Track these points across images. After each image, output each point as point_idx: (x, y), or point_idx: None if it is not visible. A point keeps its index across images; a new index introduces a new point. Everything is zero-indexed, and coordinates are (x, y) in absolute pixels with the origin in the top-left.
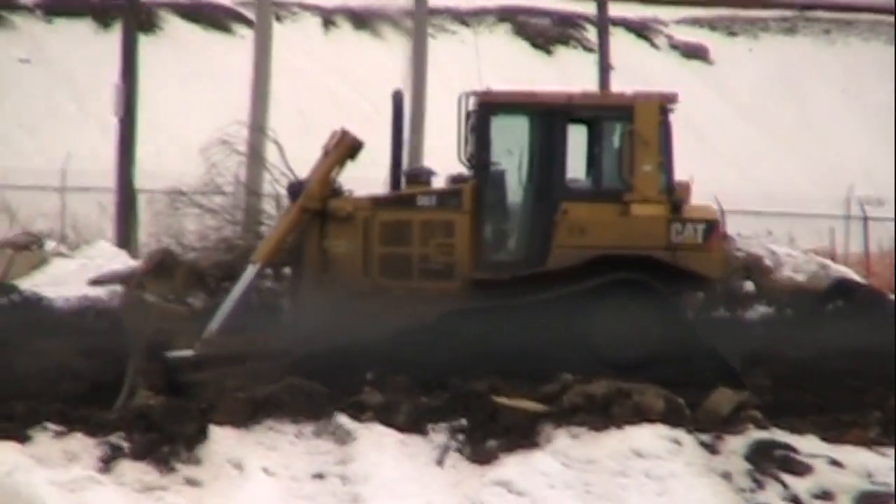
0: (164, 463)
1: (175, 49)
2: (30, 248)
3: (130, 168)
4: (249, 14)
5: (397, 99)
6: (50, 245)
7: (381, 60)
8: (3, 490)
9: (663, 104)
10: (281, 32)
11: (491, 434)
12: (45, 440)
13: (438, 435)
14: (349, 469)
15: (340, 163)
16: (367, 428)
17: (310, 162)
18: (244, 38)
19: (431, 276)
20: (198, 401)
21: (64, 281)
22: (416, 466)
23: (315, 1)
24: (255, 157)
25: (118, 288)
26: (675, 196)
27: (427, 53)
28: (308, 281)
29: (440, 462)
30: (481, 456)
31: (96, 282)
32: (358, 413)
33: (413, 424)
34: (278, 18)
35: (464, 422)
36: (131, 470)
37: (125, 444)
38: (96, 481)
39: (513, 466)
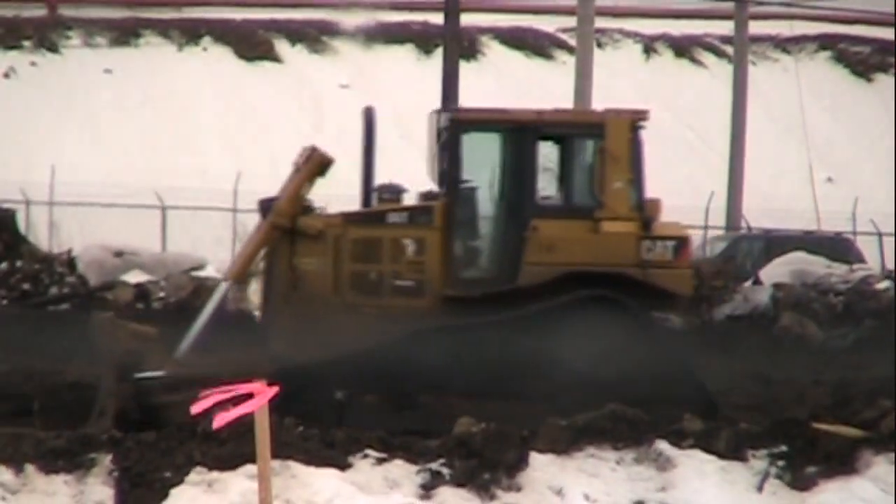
0: (484, 490)
1: (496, 75)
2: None
3: None
4: (571, 41)
5: (368, 115)
6: None
7: (703, 88)
8: None
9: (634, 121)
10: (602, 59)
11: (811, 460)
12: (365, 467)
13: (759, 461)
14: (670, 496)
15: (310, 180)
16: (687, 455)
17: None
18: (565, 63)
19: (402, 293)
20: (518, 428)
21: None
22: (736, 493)
23: (637, 28)
24: None
25: None
26: (645, 213)
27: (748, 81)
28: (278, 299)
29: (760, 489)
30: (801, 482)
31: None
32: (678, 440)
33: (733, 451)
34: (599, 45)
35: (784, 448)
36: (452, 497)
37: (446, 471)
38: None
39: (833, 493)
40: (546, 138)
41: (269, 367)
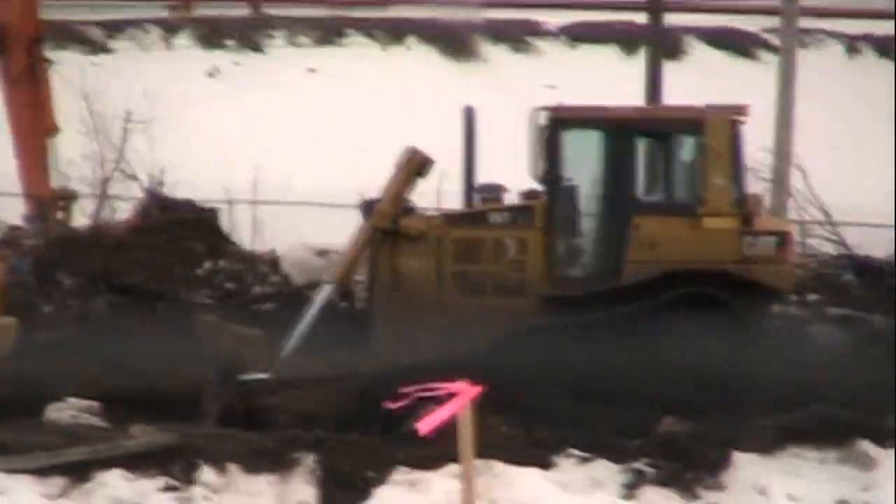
0: (687, 489)
1: (700, 75)
2: None
3: None
4: (775, 40)
5: (469, 114)
6: None
7: None
8: None
9: (734, 117)
10: (805, 58)
11: None
12: (569, 466)
13: None
14: (873, 495)
15: (411, 181)
16: (890, 454)
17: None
18: (768, 64)
19: (504, 293)
20: (721, 428)
21: None
22: None
23: (841, 28)
24: (780, 184)
25: None
26: (746, 209)
27: None
28: (381, 300)
29: None
30: None
31: None
32: (882, 439)
33: None
34: (803, 45)
35: None
36: (655, 496)
37: (649, 471)
38: None
39: None
40: (647, 135)
41: (374, 368)
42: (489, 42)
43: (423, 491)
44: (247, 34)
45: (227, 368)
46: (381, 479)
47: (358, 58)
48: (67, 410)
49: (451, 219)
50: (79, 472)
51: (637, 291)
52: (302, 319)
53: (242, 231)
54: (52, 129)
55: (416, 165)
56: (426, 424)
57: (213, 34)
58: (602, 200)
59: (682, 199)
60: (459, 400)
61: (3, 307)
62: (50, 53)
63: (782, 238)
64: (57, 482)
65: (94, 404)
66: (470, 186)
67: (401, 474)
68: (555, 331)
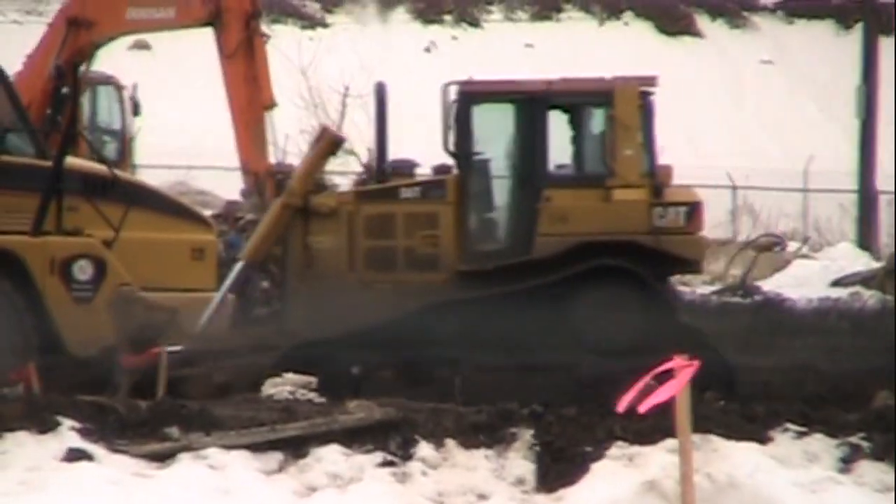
0: None
1: None
2: (771, 250)
3: (871, 170)
4: None
5: (380, 89)
6: (792, 246)
7: None
8: (744, 490)
9: (643, 88)
10: None
11: None
12: (785, 441)
13: None
14: None
15: (323, 159)
16: None
17: None
18: None
19: (417, 268)
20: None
21: (806, 282)
22: None
23: None
24: None
25: (859, 289)
26: (657, 180)
27: None
28: (293, 277)
29: None
30: None
31: (838, 283)
32: None
33: None
34: None
35: None
36: (871, 470)
37: (866, 445)
38: (836, 482)
39: None
40: (556, 107)
41: (284, 342)
42: (706, 17)
43: (641, 465)
44: (464, 9)
45: (140, 340)
46: (597, 454)
47: (575, 33)
48: (285, 386)
49: (361, 195)
50: (295, 448)
51: (548, 264)
52: (216, 294)
53: None
54: (270, 104)
55: (327, 144)
56: (647, 403)
57: (430, 9)
58: (513, 174)
59: (592, 171)
60: (679, 378)
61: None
62: (267, 28)
63: (692, 209)
64: (274, 457)
65: (312, 379)
66: (382, 162)
67: (618, 449)
68: (467, 305)
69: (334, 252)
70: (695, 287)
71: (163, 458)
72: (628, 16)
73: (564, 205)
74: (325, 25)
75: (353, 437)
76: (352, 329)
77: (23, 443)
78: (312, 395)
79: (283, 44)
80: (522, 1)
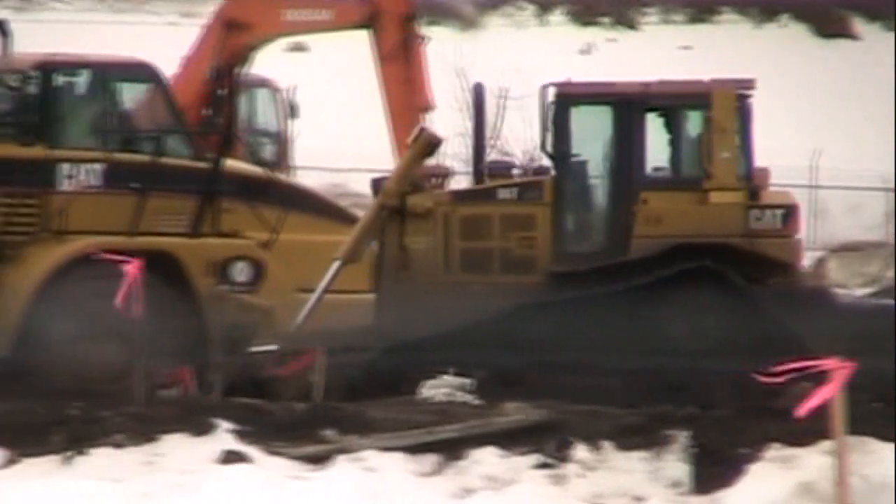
0: None
1: None
2: None
3: None
4: None
5: (478, 91)
6: None
7: None
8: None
9: (740, 90)
10: None
11: None
12: None
13: None
14: None
15: (419, 160)
16: None
17: None
18: None
19: (512, 269)
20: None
21: None
22: None
23: None
24: None
25: None
26: (753, 183)
27: None
28: (388, 278)
29: None
30: None
31: None
32: None
33: None
34: None
35: None
36: None
37: None
38: None
39: None
40: (653, 110)
41: (377, 343)
42: (864, 19)
43: (796, 467)
44: (621, 11)
45: (234, 339)
46: (753, 456)
47: (731, 35)
48: (442, 388)
49: (458, 196)
50: (451, 450)
51: (643, 266)
52: (312, 295)
53: None
54: (426, 107)
55: (423, 144)
56: (804, 407)
57: (586, 11)
58: (610, 176)
59: (688, 173)
60: (835, 380)
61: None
62: (423, 30)
63: (789, 211)
64: (430, 460)
65: (468, 381)
66: (479, 164)
67: (773, 451)
68: (562, 306)
69: (429, 253)
70: (851, 289)
71: (318, 460)
72: (785, 18)
73: (660, 207)
74: (482, 27)
75: (510, 440)
76: (444, 331)
77: (178, 445)
78: (469, 397)
79: (439, 46)
80: (679, 3)
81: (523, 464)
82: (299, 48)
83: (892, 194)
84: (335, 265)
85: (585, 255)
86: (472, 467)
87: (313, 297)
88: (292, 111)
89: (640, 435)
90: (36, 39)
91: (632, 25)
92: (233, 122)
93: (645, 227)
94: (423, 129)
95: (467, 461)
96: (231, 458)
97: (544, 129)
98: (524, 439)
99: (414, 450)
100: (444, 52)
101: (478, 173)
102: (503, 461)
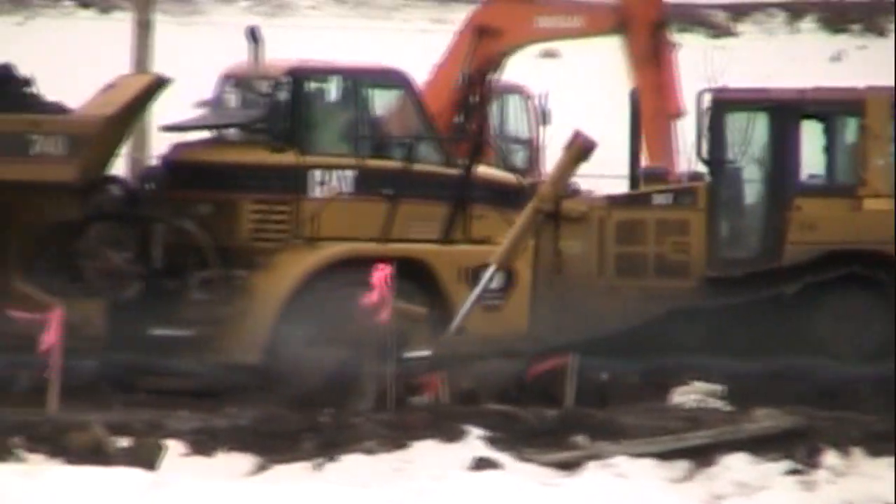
0: None
1: None
2: None
3: None
4: None
5: (634, 97)
6: None
7: None
8: None
9: None
10: None
11: None
12: None
13: None
14: None
15: (574, 164)
16: None
17: None
18: None
19: (666, 274)
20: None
21: None
22: None
23: None
24: None
25: None
26: None
27: None
28: (543, 282)
29: None
30: None
31: None
32: None
33: None
34: None
35: None
36: None
37: None
38: None
39: None
40: (808, 116)
41: (531, 348)
42: None
43: None
44: (872, 18)
45: (389, 345)
46: None
47: None
48: (692, 394)
49: (614, 200)
50: (703, 456)
51: (798, 272)
52: (468, 299)
53: None
54: (677, 113)
55: (578, 149)
56: None
57: (838, 18)
58: (764, 182)
59: (843, 180)
60: None
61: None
62: (674, 36)
63: None
64: (681, 466)
65: (719, 388)
66: (635, 169)
67: None
68: (717, 311)
69: (584, 257)
70: None
71: (569, 466)
72: None
73: (814, 213)
74: (732, 34)
75: (761, 446)
76: (599, 334)
77: (428, 451)
78: (719, 404)
79: (690, 53)
80: None
81: (774, 470)
82: (551, 55)
83: None
84: (490, 270)
85: (740, 260)
86: (723, 473)
87: (468, 302)
88: (544, 118)
89: (889, 441)
90: (288, 46)
91: (881, 32)
92: (484, 128)
93: (799, 233)
94: (578, 134)
95: (718, 467)
96: (482, 464)
97: (700, 135)
98: (775, 446)
99: (665, 456)
100: (695, 59)
101: (634, 179)
102: (754, 467)
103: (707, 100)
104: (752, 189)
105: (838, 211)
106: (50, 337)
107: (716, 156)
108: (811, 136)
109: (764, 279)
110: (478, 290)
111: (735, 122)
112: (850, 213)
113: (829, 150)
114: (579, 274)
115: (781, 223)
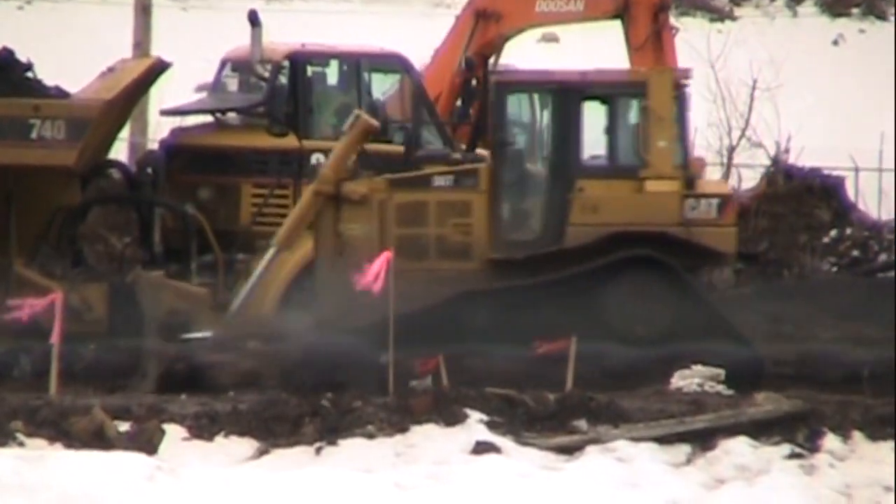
0: None
1: None
2: None
3: None
4: None
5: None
6: None
7: None
8: None
9: (677, 79)
10: None
11: None
12: None
13: None
14: None
15: (355, 146)
16: None
17: None
18: None
19: (448, 256)
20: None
21: None
22: None
23: None
24: None
25: None
26: (689, 172)
27: None
28: (324, 264)
29: None
30: None
31: None
32: None
33: None
34: None
35: None
36: None
37: None
38: None
39: None
40: (590, 98)
41: (314, 330)
42: None
43: None
44: (872, 2)
45: (168, 327)
46: None
47: None
48: (693, 378)
49: (394, 182)
50: (703, 440)
51: (580, 254)
52: (248, 280)
53: (869, 199)
54: None
55: (359, 131)
56: None
57: (838, 2)
58: (546, 164)
59: (625, 162)
60: None
61: None
62: (675, 21)
63: (724, 200)
64: (681, 450)
65: (720, 372)
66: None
67: None
68: (502, 293)
69: (365, 239)
70: None
71: (571, 450)
72: None
73: (596, 195)
74: (733, 18)
75: (761, 430)
76: (381, 318)
77: (431, 436)
78: (720, 388)
79: (691, 37)
80: None
81: (774, 454)
82: (551, 39)
83: None
84: (270, 251)
85: (523, 242)
86: (724, 457)
87: (249, 284)
88: None
89: (891, 425)
90: (288, 30)
91: (881, 16)
92: (485, 113)
93: (581, 215)
94: (358, 116)
95: (719, 451)
96: (483, 448)
97: (485, 114)
98: (775, 430)
99: (666, 440)
100: (696, 43)
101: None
102: (754, 451)
103: (494, 83)
104: (535, 171)
105: (620, 192)
106: (50, 320)
107: (498, 137)
108: (596, 119)
109: (547, 261)
110: (258, 270)
111: (518, 104)
112: (632, 194)
113: (611, 131)
114: (361, 256)
115: (564, 205)
